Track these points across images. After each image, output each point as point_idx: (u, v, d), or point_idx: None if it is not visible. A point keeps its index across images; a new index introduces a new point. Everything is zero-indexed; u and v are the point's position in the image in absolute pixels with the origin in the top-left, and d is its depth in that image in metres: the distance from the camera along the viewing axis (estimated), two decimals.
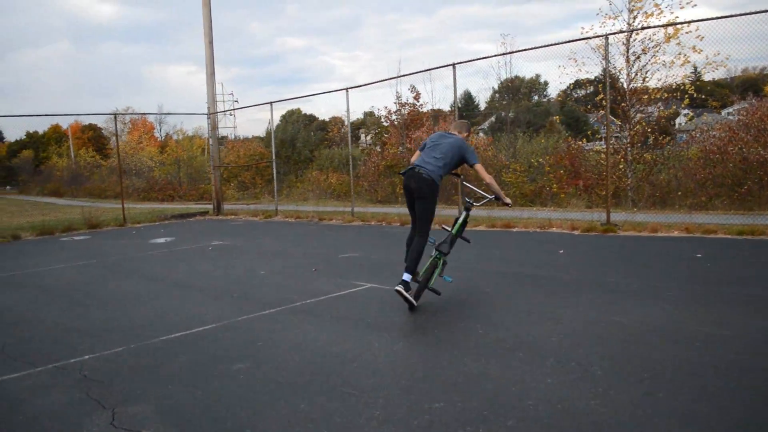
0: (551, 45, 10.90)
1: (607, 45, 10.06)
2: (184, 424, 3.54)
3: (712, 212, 12.12)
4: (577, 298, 5.91)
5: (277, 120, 56.15)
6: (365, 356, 4.53)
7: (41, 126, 75.51)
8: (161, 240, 12.63)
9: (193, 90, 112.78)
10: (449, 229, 6.07)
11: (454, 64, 12.16)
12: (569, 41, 10.60)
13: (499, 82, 20.89)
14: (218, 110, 18.38)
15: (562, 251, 8.55)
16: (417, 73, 14.17)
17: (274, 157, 17.01)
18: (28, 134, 69.85)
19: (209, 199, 24.30)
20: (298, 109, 60.58)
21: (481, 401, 3.56)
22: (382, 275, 7.54)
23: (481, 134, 22.34)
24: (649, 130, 14.54)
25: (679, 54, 14.15)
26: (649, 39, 14.68)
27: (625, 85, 15.54)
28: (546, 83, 56.67)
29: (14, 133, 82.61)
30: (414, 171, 5.87)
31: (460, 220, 6.14)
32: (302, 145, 29.98)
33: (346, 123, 15.38)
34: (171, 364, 4.64)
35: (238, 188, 27.42)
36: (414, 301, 5.64)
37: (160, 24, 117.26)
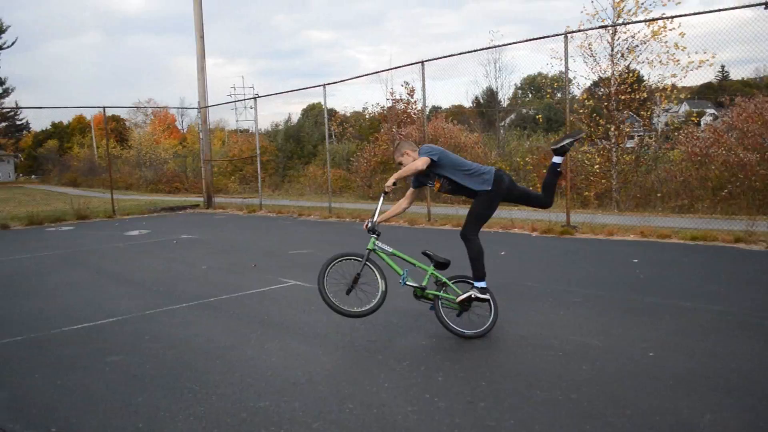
0: (514, 42, 10.84)
1: (566, 43, 9.94)
2: (17, 411, 3.66)
3: (692, 215, 11.89)
4: None
5: (298, 114, 56.19)
6: (232, 353, 4.59)
7: (66, 117, 77.04)
8: (136, 232, 12.85)
9: (217, 81, 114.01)
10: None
11: (422, 62, 12.14)
12: (527, 40, 10.49)
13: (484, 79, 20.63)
14: (209, 104, 18.54)
15: (503, 253, 8.51)
16: (388, 70, 14.03)
17: (258, 152, 17.15)
18: (54, 124, 71.21)
19: (213, 192, 24.80)
20: (319, 103, 60.83)
21: (305, 402, 3.60)
22: (315, 273, 7.58)
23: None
24: (627, 130, 14.33)
25: (665, 53, 13.92)
26: (633, 37, 14.47)
27: (612, 84, 15.32)
28: (570, 81, 55.84)
29: (41, 123, 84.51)
30: None
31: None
32: (306, 140, 30.11)
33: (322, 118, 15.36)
34: (51, 355, 4.77)
35: (240, 182, 27.68)
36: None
37: (186, 16, 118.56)
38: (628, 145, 16.02)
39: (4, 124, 59.69)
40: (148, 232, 12.96)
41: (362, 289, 4.63)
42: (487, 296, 4.85)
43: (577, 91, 16.66)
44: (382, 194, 4.83)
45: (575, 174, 15.70)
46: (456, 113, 29.01)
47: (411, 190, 5.21)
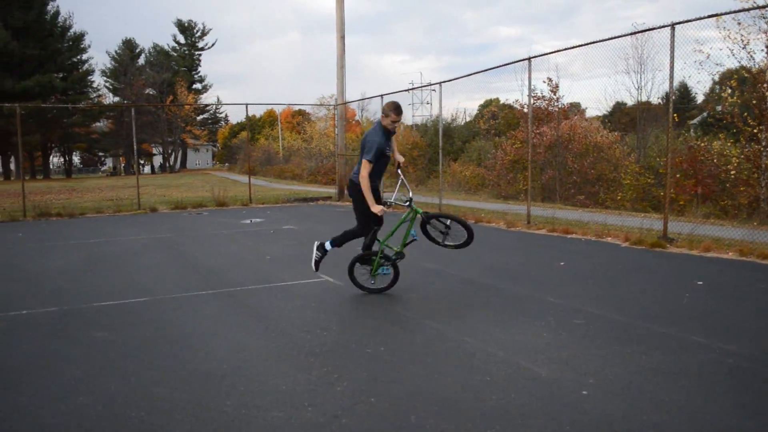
0: (620, 36, 9.92)
1: (672, 35, 8.87)
2: None
3: None
4: (476, 313, 5.61)
5: (476, 109, 55.72)
6: (191, 342, 4.89)
7: (259, 110, 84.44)
8: (248, 221, 13.84)
9: (404, 76, 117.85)
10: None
11: (529, 59, 11.59)
12: (630, 33, 9.50)
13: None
14: (347, 101, 19.28)
15: (562, 263, 7.92)
16: (496, 67, 13.45)
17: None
18: (247, 117, 77.96)
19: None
20: (497, 98, 60.13)
21: (195, 395, 3.76)
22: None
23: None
24: None
25: None
26: None
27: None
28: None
29: (238, 116, 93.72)
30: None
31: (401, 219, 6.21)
32: (456, 136, 30.07)
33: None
34: (58, 324, 5.46)
35: (389, 175, 28.36)
36: (314, 266, 6.51)
37: (378, 15, 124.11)
38: None
39: (201, 116, 66.95)
40: (261, 221, 13.89)
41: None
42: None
43: None
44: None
45: (714, 180, 14.07)
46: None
47: None
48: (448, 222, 6.09)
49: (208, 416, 3.44)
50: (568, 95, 34.42)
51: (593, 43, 10.62)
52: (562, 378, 3.92)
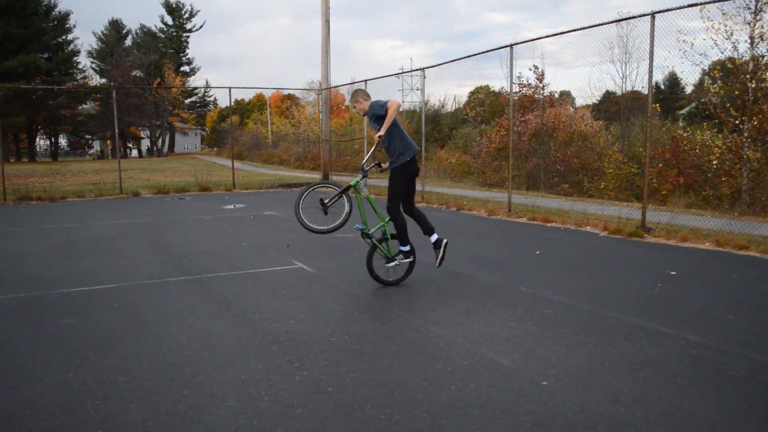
0: (600, 25, 9.86)
1: (653, 25, 8.84)
2: None
3: None
4: (446, 301, 5.59)
5: (465, 96, 55.47)
6: (157, 329, 4.84)
7: (248, 94, 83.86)
8: (231, 206, 13.76)
9: (394, 62, 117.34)
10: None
11: (511, 45, 11.51)
12: (612, 21, 9.47)
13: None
14: (331, 86, 19.14)
15: (538, 252, 7.93)
16: (478, 54, 13.38)
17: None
18: (236, 101, 77.43)
19: (350, 171, 25.78)
20: (487, 85, 59.89)
21: (155, 383, 3.71)
22: (335, 258, 7.66)
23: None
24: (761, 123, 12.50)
25: None
26: None
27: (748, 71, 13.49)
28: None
29: (226, 100, 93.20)
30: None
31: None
32: (444, 123, 29.99)
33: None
34: (25, 311, 5.37)
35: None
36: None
37: (371, 1, 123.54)
38: None
39: (189, 100, 66.37)
40: (243, 206, 13.81)
41: (332, 211, 5.76)
42: (410, 259, 6.12)
43: None
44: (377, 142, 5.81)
45: (696, 170, 14.12)
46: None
47: None
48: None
49: (163, 405, 3.40)
50: (553, 83, 34.39)
51: (575, 30, 10.56)
52: (524, 368, 3.91)
